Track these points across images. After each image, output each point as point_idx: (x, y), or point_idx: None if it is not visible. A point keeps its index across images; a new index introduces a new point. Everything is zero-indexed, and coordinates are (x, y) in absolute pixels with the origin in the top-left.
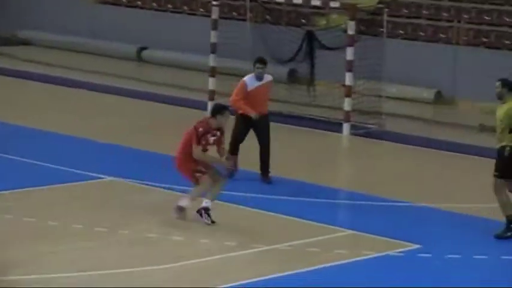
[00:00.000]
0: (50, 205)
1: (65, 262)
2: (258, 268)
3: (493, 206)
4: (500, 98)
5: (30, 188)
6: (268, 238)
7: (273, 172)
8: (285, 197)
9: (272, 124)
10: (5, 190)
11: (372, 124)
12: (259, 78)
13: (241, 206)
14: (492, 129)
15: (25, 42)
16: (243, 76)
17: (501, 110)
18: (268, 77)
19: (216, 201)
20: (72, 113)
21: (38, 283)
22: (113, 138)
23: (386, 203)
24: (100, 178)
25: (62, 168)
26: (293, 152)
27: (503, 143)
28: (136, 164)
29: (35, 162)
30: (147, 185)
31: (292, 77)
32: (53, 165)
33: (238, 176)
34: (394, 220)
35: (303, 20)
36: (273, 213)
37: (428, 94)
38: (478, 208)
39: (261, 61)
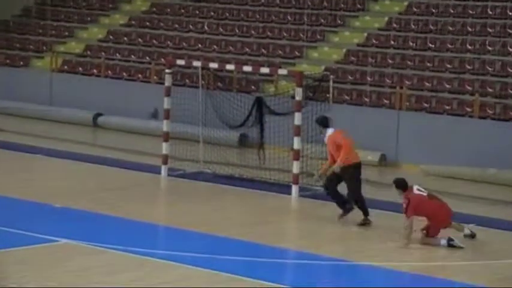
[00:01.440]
0: (6, 267)
1: None
2: None
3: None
4: None
5: None
6: None
7: (222, 233)
8: (232, 257)
9: (223, 187)
10: None
11: (320, 186)
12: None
13: (189, 266)
14: None
15: None
16: (196, 140)
17: None
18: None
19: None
20: (28, 177)
21: None
22: (69, 202)
23: (331, 262)
24: (55, 241)
25: (18, 231)
26: (243, 214)
27: None
28: (91, 226)
29: None
30: (102, 247)
31: (243, 142)
32: (8, 229)
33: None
34: (339, 278)
35: (253, 87)
36: (218, 272)
37: (373, 157)
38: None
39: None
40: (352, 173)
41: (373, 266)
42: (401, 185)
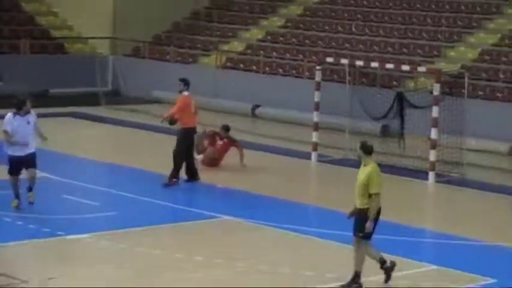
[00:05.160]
0: (175, 240)
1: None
2: None
3: None
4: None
5: (159, 225)
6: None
7: None
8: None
9: None
10: (138, 227)
11: (454, 173)
12: None
13: (339, 243)
14: None
15: (157, 101)
16: (342, 130)
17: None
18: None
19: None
20: None
21: None
22: (230, 183)
23: (467, 242)
24: (216, 217)
25: (186, 208)
26: (387, 197)
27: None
28: (248, 205)
29: (164, 203)
30: (259, 223)
31: (385, 132)
32: (178, 206)
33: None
34: (474, 257)
35: (395, 83)
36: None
37: (503, 147)
38: None
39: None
40: (185, 135)
41: (504, 246)
42: None
